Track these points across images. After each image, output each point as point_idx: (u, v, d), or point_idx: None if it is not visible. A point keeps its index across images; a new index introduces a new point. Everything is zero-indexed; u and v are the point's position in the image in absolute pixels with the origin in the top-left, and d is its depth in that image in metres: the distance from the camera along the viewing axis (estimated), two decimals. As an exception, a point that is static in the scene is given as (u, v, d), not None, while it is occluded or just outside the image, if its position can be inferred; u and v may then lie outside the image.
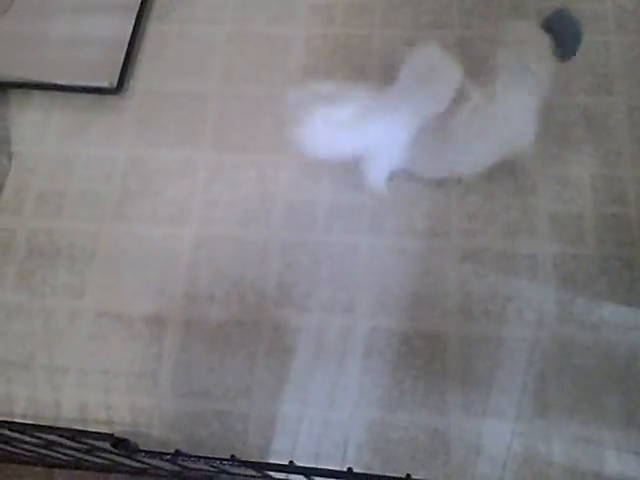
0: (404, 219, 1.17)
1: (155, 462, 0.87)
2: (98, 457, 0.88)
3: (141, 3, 1.38)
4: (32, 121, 1.30)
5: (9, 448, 0.86)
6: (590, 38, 1.29)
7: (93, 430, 0.79)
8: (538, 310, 1.09)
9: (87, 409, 1.07)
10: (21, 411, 1.08)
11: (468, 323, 1.09)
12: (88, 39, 1.36)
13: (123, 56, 1.32)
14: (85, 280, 1.16)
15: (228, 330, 1.10)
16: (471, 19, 1.33)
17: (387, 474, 0.73)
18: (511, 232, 1.15)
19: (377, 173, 1.13)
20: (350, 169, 1.19)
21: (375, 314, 1.10)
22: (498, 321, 1.09)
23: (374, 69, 1.30)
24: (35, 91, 1.32)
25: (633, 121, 1.22)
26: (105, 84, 1.29)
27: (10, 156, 1.27)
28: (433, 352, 1.07)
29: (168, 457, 0.76)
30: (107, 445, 0.76)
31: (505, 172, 1.19)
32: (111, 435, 0.75)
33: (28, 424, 0.94)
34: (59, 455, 0.89)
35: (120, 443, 0.76)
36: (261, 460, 1.00)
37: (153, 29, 1.38)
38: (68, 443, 0.80)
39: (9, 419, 1.02)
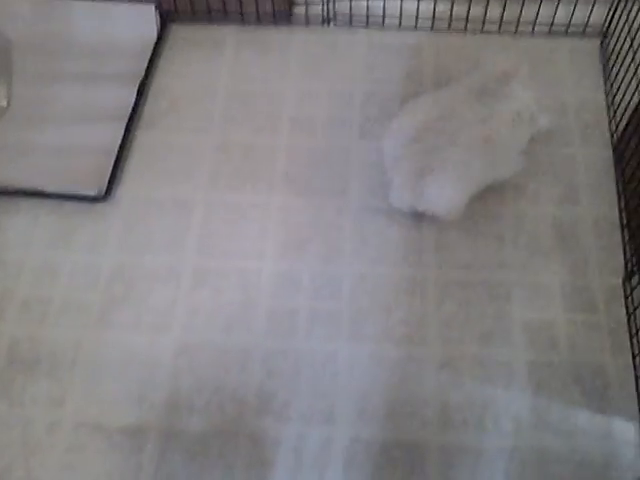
0: (382, 326, 1.20)
1: None
2: None
3: (131, 113, 1.44)
4: (18, 227, 1.33)
5: None
6: (557, 151, 1.38)
7: None
8: (515, 418, 1.11)
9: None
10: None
11: (447, 432, 1.10)
12: (78, 148, 1.41)
13: (112, 164, 1.37)
14: (65, 389, 1.16)
15: (208, 441, 1.10)
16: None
17: None
18: (486, 340, 1.18)
19: None
20: (331, 274, 1.24)
21: (355, 424, 1.11)
22: (476, 430, 1.10)
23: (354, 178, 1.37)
24: (23, 197, 1.36)
25: (599, 231, 1.29)
26: (93, 192, 1.33)
27: (-5, 262, 1.29)
28: (413, 463, 1.08)
29: None
30: None
31: (479, 280, 1.24)
32: None
33: None
34: None
35: None
36: None
37: (141, 138, 1.44)
38: None
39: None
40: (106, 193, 1.34)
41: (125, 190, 1.37)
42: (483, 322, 1.20)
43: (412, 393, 1.14)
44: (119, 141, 1.41)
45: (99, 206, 1.35)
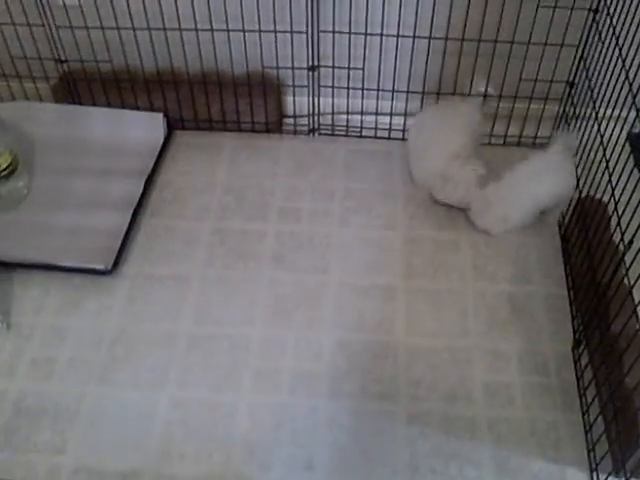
0: (358, 385, 1.33)
1: None
2: None
3: (138, 202, 1.63)
4: (32, 296, 1.48)
5: None
6: (513, 238, 1.57)
7: None
8: (477, 467, 1.22)
9: None
10: None
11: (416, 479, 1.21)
12: (89, 229, 1.59)
13: (119, 244, 1.54)
14: (66, 438, 1.26)
15: (197, 484, 1.20)
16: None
17: None
18: (451, 398, 1.31)
19: None
20: (312, 339, 1.38)
21: (332, 472, 1.22)
22: (442, 478, 1.21)
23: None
24: (37, 271, 1.51)
25: (549, 306, 1.46)
26: (101, 267, 1.49)
27: (8, 326, 1.42)
28: (384, 504, 1.18)
29: None
30: None
31: (444, 347, 1.39)
32: None
33: None
34: None
35: None
36: None
37: (147, 223, 1.62)
38: None
39: None
40: (112, 268, 1.50)
41: (130, 267, 1.54)
42: (448, 382, 1.34)
43: (384, 444, 1.25)
44: (126, 225, 1.59)
45: (106, 280, 1.50)
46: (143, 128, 1.82)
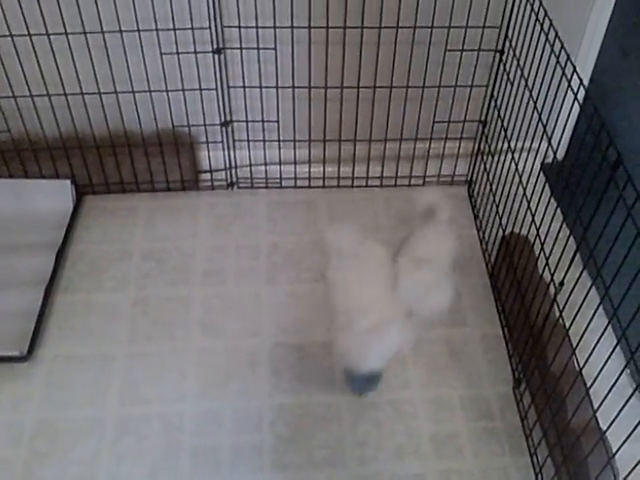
0: (303, 452, 1.27)
1: None
2: None
3: (50, 277, 1.53)
4: (-62, 394, 1.35)
5: None
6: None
7: None
8: (433, 526, 1.18)
9: None
10: None
11: None
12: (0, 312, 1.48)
13: (33, 326, 1.43)
14: None
15: None
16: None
17: None
18: (399, 454, 1.28)
19: None
20: (250, 409, 1.31)
21: None
22: (399, 542, 1.16)
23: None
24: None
25: (486, 346, 1.45)
26: (15, 353, 1.38)
27: None
28: None
29: None
30: None
31: (386, 400, 1.35)
32: None
33: None
34: None
35: None
36: None
37: (61, 300, 1.52)
38: None
39: None
40: (28, 353, 1.39)
41: (47, 349, 1.43)
42: (394, 439, 1.30)
43: (336, 513, 1.20)
44: (39, 304, 1.48)
45: (21, 366, 1.39)
46: (49, 197, 1.72)
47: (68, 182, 1.72)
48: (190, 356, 1.42)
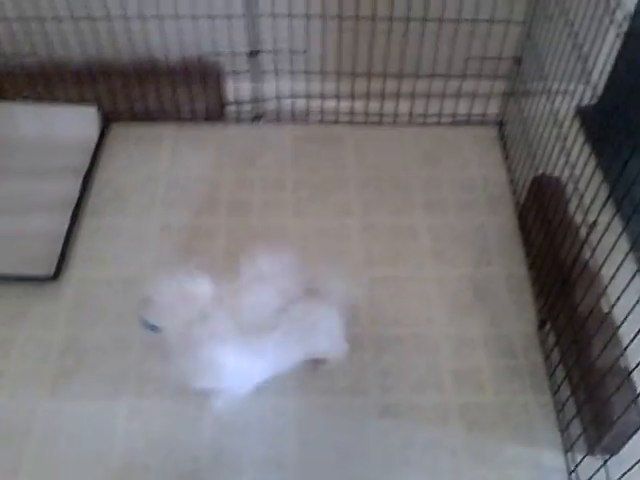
0: (325, 379, 1.28)
1: None
2: None
3: (77, 202, 1.53)
4: (-31, 309, 1.37)
5: None
6: (470, 220, 1.55)
7: None
8: (452, 455, 1.20)
9: None
10: None
11: (391, 472, 1.17)
12: (26, 234, 1.48)
13: (60, 248, 1.44)
14: (19, 457, 1.17)
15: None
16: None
17: None
18: (420, 387, 1.29)
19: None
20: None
21: (304, 470, 1.17)
22: (417, 469, 1.18)
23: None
24: (-28, 282, 1.40)
25: (511, 286, 1.44)
26: (43, 273, 1.39)
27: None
28: None
29: None
30: None
31: (409, 334, 1.36)
32: None
33: None
34: None
35: None
36: None
37: (88, 224, 1.53)
38: None
39: None
40: (55, 274, 1.40)
41: (74, 271, 1.44)
42: (416, 371, 1.31)
43: (356, 438, 1.21)
44: (66, 227, 1.49)
45: (49, 287, 1.40)
46: (76, 122, 1.71)
47: (94, 108, 1.71)
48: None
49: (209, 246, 1.50)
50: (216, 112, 1.78)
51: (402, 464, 1.19)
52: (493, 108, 1.78)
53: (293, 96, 1.78)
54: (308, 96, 1.76)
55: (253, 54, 1.70)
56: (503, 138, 1.76)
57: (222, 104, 1.79)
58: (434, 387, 1.29)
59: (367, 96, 1.75)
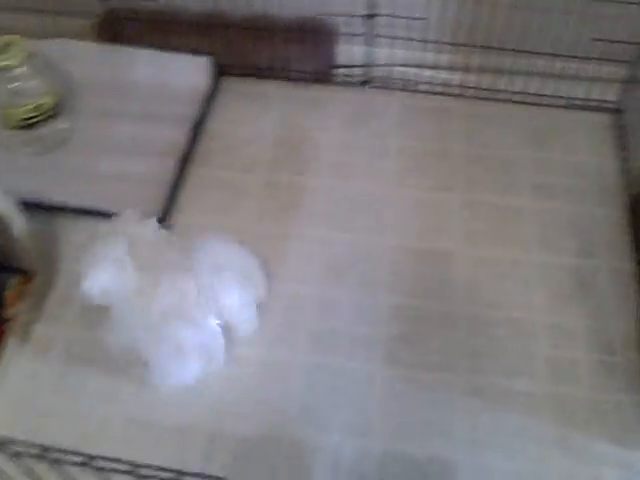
0: (416, 353, 1.28)
1: None
2: None
3: (185, 150, 1.56)
4: (77, 241, 1.42)
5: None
6: (576, 209, 1.50)
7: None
8: (540, 445, 1.18)
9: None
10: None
11: (476, 453, 1.17)
12: (133, 176, 1.52)
13: (168, 193, 1.47)
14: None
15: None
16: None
17: None
18: (512, 372, 1.27)
19: None
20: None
21: (389, 438, 1.18)
22: (505, 454, 1.17)
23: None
24: (81, 215, 1.45)
25: (615, 280, 1.40)
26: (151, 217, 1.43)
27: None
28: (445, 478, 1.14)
29: None
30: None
31: (505, 318, 1.34)
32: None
33: None
34: None
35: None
36: None
37: (195, 172, 1.56)
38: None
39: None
40: (161, 219, 1.44)
41: (179, 217, 1.48)
42: (509, 355, 1.29)
43: (443, 415, 1.21)
44: (173, 173, 1.52)
45: (158, 231, 1.44)
46: (189, 72, 1.73)
47: (207, 59, 1.72)
48: (313, 243, 1.44)
49: (309, 206, 1.50)
50: (325, 74, 1.77)
51: (489, 446, 1.18)
52: (611, 95, 1.70)
53: (405, 64, 1.74)
54: (420, 65, 1.73)
55: (370, 17, 1.67)
56: (619, 127, 1.68)
57: (332, 66, 1.78)
58: (527, 374, 1.27)
59: (481, 70, 1.70)
